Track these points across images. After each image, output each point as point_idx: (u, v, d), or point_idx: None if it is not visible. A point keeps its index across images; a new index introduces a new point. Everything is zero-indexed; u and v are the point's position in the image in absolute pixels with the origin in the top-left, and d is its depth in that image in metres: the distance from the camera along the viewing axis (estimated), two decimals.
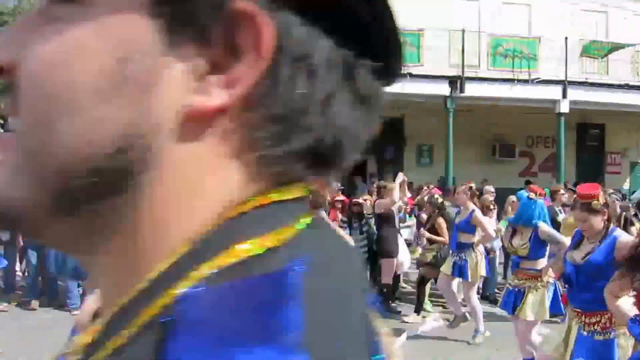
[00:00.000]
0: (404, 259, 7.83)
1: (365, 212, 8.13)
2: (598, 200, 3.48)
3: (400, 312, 7.41)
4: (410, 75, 13.09)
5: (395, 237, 7.73)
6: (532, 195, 4.97)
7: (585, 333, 3.50)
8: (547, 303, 4.76)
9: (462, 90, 13.21)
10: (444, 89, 13.29)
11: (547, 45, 13.81)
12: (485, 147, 16.13)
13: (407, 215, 9.20)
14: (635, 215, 9.31)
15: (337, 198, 9.11)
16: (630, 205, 9.70)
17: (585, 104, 14.12)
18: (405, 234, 8.65)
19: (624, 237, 3.41)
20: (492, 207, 8.81)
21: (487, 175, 13.96)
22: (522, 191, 5.22)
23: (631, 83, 14.60)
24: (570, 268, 3.77)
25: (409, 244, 8.36)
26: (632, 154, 17.14)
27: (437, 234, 7.25)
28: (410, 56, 13.27)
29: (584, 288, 3.64)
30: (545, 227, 4.88)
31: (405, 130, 15.73)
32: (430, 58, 13.40)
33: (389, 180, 9.58)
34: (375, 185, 9.78)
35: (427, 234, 7.34)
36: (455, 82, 13.28)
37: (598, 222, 3.46)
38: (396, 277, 7.95)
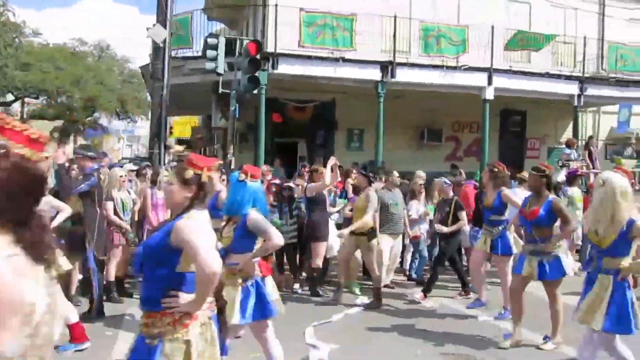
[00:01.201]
0: (334, 243, 7.88)
1: (296, 196, 8.11)
2: (200, 172, 2.67)
3: (328, 296, 7.49)
4: (343, 59, 13.16)
5: (325, 221, 7.76)
6: (242, 176, 4.02)
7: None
8: (237, 306, 3.79)
9: (393, 76, 13.40)
10: (375, 74, 13.42)
11: (474, 33, 14.21)
12: (414, 131, 16.51)
13: (338, 199, 9.23)
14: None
15: (274, 182, 8.98)
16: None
17: (509, 91, 14.71)
18: (335, 217, 8.69)
19: (183, 222, 2.55)
20: (421, 190, 9.08)
21: (416, 159, 14.31)
22: (236, 172, 4.26)
23: (551, 72, 15.33)
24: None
25: (339, 227, 8.41)
26: (549, 140, 18.09)
27: None
28: (343, 40, 13.30)
29: (145, 281, 2.75)
30: (255, 215, 3.95)
31: (336, 114, 15.83)
32: (363, 43, 13.49)
33: (319, 164, 9.56)
34: (307, 169, 9.74)
35: None
36: (386, 67, 13.45)
37: (179, 194, 2.65)
38: (326, 261, 8.00)
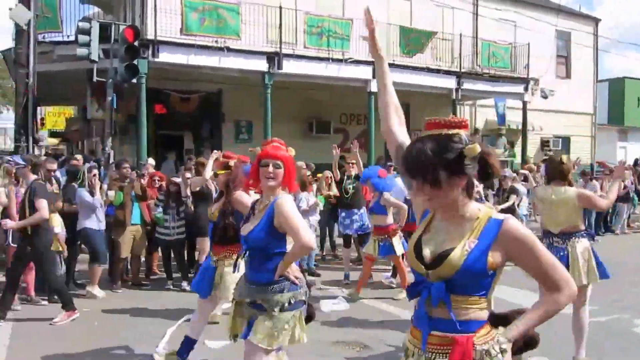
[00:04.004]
0: None
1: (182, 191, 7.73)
2: None
3: None
4: (228, 49, 12.76)
5: None
6: None
7: None
8: None
9: (279, 67, 13.22)
10: (261, 64, 13.16)
11: (358, 27, 14.42)
12: (303, 123, 16.49)
13: None
14: None
15: (156, 177, 8.47)
16: None
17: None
18: None
19: None
20: (311, 181, 9.10)
21: (305, 151, 14.25)
22: None
23: (431, 67, 16.00)
24: None
25: None
26: None
27: None
28: (228, 29, 12.89)
29: None
30: None
31: (222, 105, 15.37)
32: (248, 33, 13.16)
33: (207, 157, 9.23)
34: (193, 163, 9.37)
35: None
36: (273, 58, 13.24)
37: None
38: None
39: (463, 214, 1.88)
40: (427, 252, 1.90)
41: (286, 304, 3.08)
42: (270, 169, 3.11)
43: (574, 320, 4.57)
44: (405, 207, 7.20)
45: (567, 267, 4.23)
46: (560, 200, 4.53)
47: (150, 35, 12.21)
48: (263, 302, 3.08)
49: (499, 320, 1.87)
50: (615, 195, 4.73)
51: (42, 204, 5.84)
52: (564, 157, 4.73)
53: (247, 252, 3.20)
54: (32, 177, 6.13)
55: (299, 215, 3.10)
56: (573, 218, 4.53)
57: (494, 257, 1.81)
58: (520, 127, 18.32)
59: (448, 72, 16.25)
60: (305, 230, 3.01)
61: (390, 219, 6.91)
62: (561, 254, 4.40)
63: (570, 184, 4.65)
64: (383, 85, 2.36)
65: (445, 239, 1.88)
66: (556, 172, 4.69)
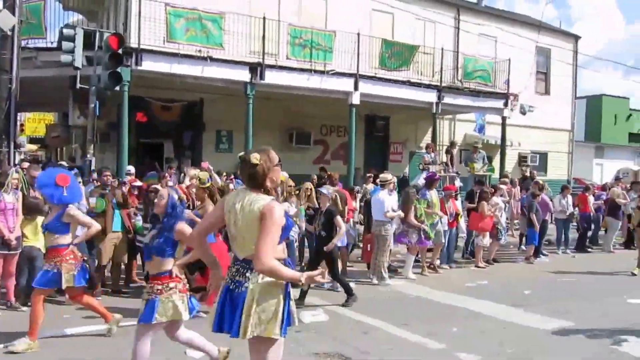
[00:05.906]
0: None
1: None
2: None
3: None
4: (211, 59, 12.84)
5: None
6: None
7: None
8: None
9: (262, 77, 13.32)
10: (244, 74, 13.25)
11: (341, 40, 14.60)
12: (283, 134, 16.60)
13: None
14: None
15: (135, 183, 8.50)
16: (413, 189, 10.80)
17: (374, 97, 15.30)
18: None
19: None
20: (294, 192, 9.16)
21: (285, 162, 14.33)
22: None
23: (412, 80, 16.19)
24: None
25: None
26: (410, 145, 19.18)
27: None
28: (212, 39, 12.98)
29: None
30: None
31: (204, 115, 15.42)
32: (231, 43, 13.27)
33: (187, 166, 9.32)
34: (173, 170, 9.39)
35: None
36: (255, 68, 13.33)
37: None
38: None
39: None
40: None
41: None
42: None
43: None
44: (98, 227, 5.56)
45: (242, 310, 2.92)
46: (244, 213, 2.96)
47: (133, 44, 12.24)
48: None
49: None
50: None
51: None
52: (253, 155, 3.01)
53: None
54: None
55: None
56: None
57: None
58: (498, 142, 18.53)
59: (429, 86, 16.40)
60: None
61: (67, 239, 5.27)
62: (238, 290, 2.94)
63: (267, 193, 3.04)
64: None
65: None
66: (246, 176, 3.05)
